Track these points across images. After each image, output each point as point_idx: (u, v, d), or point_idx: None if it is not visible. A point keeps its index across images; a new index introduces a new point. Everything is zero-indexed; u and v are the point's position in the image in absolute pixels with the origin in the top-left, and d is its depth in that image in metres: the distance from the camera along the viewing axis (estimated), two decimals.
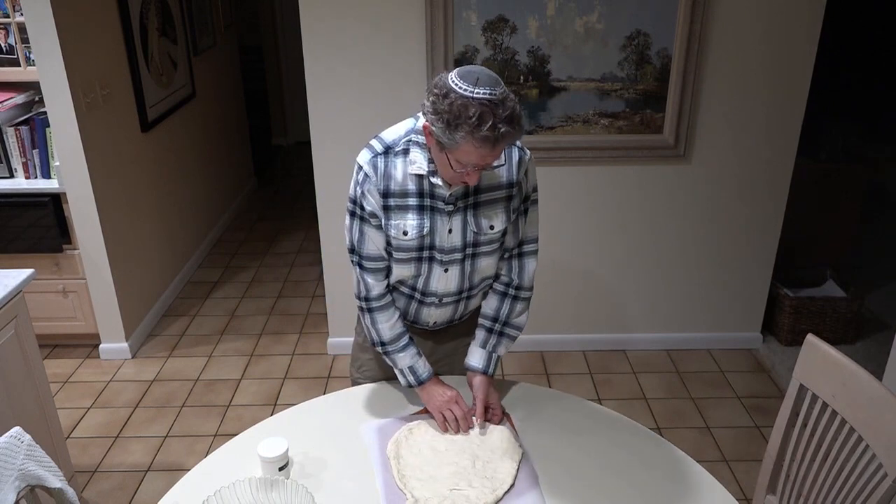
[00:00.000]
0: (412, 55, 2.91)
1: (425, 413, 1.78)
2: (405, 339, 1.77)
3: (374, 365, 1.95)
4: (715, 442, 2.87)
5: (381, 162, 1.61)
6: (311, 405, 1.84)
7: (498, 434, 1.69)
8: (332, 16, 2.86)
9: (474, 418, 1.72)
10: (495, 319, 1.80)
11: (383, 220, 1.64)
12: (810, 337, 1.66)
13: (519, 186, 1.67)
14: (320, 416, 1.80)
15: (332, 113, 3.01)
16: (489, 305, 1.82)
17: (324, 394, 2.11)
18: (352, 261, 1.73)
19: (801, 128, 3.06)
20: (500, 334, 1.81)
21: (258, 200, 5.47)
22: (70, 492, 1.57)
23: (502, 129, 1.41)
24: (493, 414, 1.74)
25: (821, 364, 1.62)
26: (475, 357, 1.80)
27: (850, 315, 3.36)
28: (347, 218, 1.70)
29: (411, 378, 1.77)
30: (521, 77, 2.94)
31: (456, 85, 1.43)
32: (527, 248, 1.78)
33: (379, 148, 1.63)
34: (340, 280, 3.29)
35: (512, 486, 1.55)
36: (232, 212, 5.10)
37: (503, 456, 1.63)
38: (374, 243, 1.68)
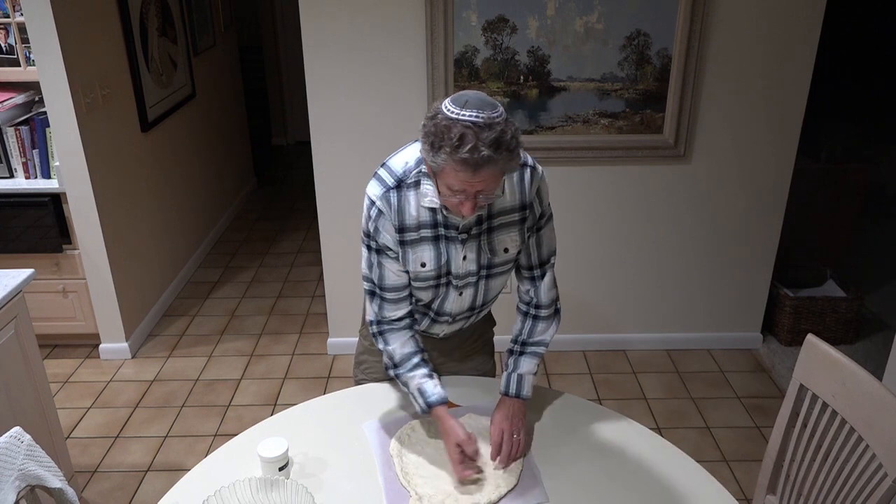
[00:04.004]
0: (412, 55, 2.91)
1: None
2: (416, 359, 1.70)
3: (380, 367, 1.95)
4: (715, 442, 2.87)
5: (393, 197, 1.57)
6: (311, 405, 1.84)
7: None
8: (332, 16, 2.86)
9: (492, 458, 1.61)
10: (515, 341, 1.76)
11: (400, 254, 1.62)
12: (810, 337, 1.66)
13: (531, 207, 1.63)
14: (320, 416, 1.80)
15: (332, 113, 3.01)
16: (514, 326, 1.78)
17: (324, 394, 2.11)
18: (365, 289, 1.70)
19: (801, 128, 3.06)
20: (521, 354, 1.74)
21: (258, 200, 5.47)
22: (70, 492, 1.57)
23: (483, 153, 1.35)
24: (513, 444, 1.60)
25: (821, 364, 1.62)
26: (501, 381, 1.74)
27: (850, 315, 3.36)
28: (364, 250, 1.66)
29: (420, 401, 1.67)
30: (521, 77, 2.94)
31: (445, 107, 1.41)
32: (545, 266, 1.73)
33: (390, 181, 1.58)
34: (340, 280, 3.29)
35: (515, 483, 1.56)
36: (232, 212, 5.10)
37: None
38: (394, 274, 1.65)
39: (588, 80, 2.95)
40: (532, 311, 1.74)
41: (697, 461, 1.64)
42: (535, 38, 2.88)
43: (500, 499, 1.52)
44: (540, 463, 1.62)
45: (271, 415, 2.38)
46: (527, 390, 1.69)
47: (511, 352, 1.75)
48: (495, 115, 1.39)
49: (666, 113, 2.99)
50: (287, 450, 1.55)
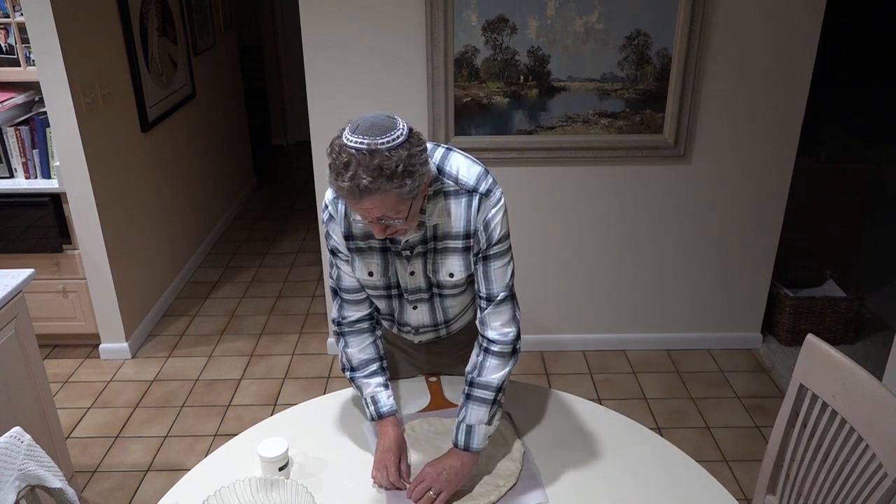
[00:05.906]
0: (412, 55, 2.91)
1: (427, 412, 1.78)
2: (374, 366, 1.70)
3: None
4: (715, 442, 2.87)
5: (341, 203, 1.56)
6: (311, 405, 1.84)
7: (500, 432, 1.70)
8: (332, 15, 2.86)
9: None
10: (466, 377, 1.62)
11: (350, 260, 1.62)
12: (810, 337, 1.66)
13: (475, 236, 1.54)
14: (320, 416, 1.80)
15: (332, 113, 3.01)
16: (469, 360, 1.65)
17: (324, 394, 2.11)
18: (330, 287, 1.72)
19: (801, 128, 3.06)
20: (468, 397, 1.59)
21: (258, 200, 5.47)
22: (70, 492, 1.57)
23: (363, 181, 1.30)
24: (423, 499, 1.51)
25: (821, 364, 1.62)
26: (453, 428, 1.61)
27: (850, 315, 3.36)
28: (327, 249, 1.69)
29: (372, 409, 1.66)
30: (521, 77, 2.94)
31: (343, 131, 1.36)
32: (493, 301, 1.58)
33: None
34: None
35: (515, 483, 1.56)
36: (232, 212, 5.10)
37: (506, 453, 1.64)
38: (348, 276, 1.66)
39: (588, 80, 2.95)
40: (484, 343, 1.60)
41: (697, 461, 1.64)
42: (535, 38, 2.88)
43: (500, 498, 1.52)
44: (540, 463, 1.62)
45: (271, 415, 2.38)
46: (477, 442, 1.55)
47: (463, 392, 1.61)
48: (382, 140, 1.32)
49: (666, 113, 2.99)
50: (287, 450, 1.56)
